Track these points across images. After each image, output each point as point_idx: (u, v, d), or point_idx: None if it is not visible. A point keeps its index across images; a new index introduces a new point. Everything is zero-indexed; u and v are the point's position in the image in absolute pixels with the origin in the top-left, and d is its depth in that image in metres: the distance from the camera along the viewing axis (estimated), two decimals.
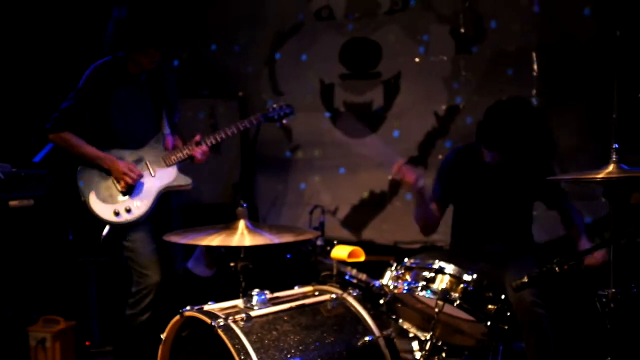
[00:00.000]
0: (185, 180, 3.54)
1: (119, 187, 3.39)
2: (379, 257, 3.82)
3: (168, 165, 3.50)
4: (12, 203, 3.12)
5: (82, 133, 3.42)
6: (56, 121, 3.40)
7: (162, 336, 2.61)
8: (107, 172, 3.39)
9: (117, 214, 3.36)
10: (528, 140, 3.10)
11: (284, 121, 3.93)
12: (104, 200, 3.37)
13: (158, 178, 3.47)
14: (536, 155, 3.21)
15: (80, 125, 3.41)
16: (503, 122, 3.13)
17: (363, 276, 3.27)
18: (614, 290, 2.30)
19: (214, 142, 3.58)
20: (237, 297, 2.75)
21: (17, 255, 3.70)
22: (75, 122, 3.39)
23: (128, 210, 3.36)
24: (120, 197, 3.39)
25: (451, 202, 3.48)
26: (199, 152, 3.51)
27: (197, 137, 3.55)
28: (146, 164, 3.47)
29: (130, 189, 3.39)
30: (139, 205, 3.39)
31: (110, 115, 3.42)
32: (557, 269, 2.40)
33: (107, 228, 3.39)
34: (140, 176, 3.41)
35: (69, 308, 4.30)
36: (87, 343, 4.33)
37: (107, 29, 3.41)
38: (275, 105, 3.86)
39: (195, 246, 4.24)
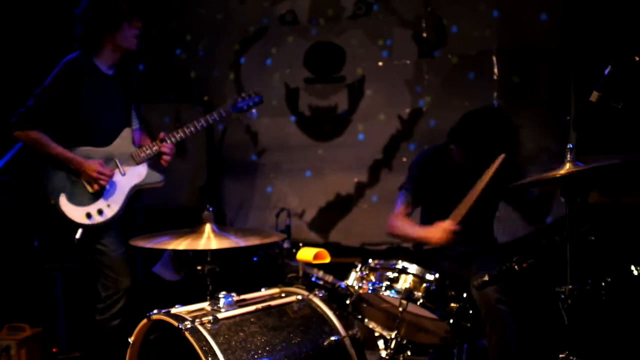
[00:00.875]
0: (156, 177, 3.50)
1: (89, 189, 3.32)
2: (346, 259, 3.86)
3: (138, 163, 3.45)
4: None
5: (50, 130, 3.31)
6: (22, 118, 3.28)
7: (130, 340, 2.61)
8: (77, 173, 3.31)
9: (89, 216, 3.30)
10: (498, 143, 3.15)
11: (253, 110, 3.83)
12: (74, 203, 3.30)
13: (129, 176, 3.42)
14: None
15: (47, 123, 3.30)
16: (474, 127, 3.20)
17: (329, 278, 3.31)
18: (570, 286, 2.38)
19: (179, 137, 3.51)
20: (204, 300, 2.76)
21: None
22: (42, 120, 3.28)
23: (100, 212, 3.31)
24: (91, 199, 3.33)
25: (423, 203, 3.51)
26: (164, 148, 3.45)
27: (162, 135, 3.50)
28: (116, 163, 3.40)
29: (101, 191, 3.33)
30: (111, 206, 3.34)
31: (79, 111, 3.33)
32: (516, 267, 2.49)
33: (79, 231, 3.30)
34: (111, 177, 3.35)
35: (35, 315, 4.25)
36: (54, 350, 4.28)
37: (75, 30, 3.36)
38: (243, 95, 3.78)
39: (161, 250, 4.24)
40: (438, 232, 3.04)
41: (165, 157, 3.50)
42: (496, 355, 2.92)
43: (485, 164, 3.27)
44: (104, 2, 3.31)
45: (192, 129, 3.54)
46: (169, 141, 3.49)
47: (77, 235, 3.30)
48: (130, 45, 3.41)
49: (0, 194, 3.30)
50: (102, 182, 3.31)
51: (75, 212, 3.30)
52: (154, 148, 3.48)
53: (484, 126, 3.19)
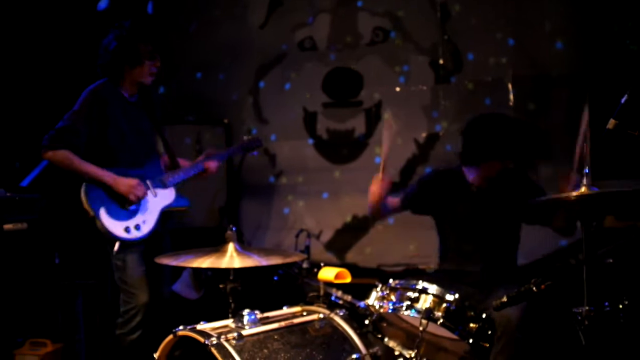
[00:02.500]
0: (183, 202, 3.63)
1: (125, 205, 3.41)
2: (363, 279, 3.91)
3: (166, 187, 3.57)
4: (7, 227, 3.16)
5: (80, 152, 3.38)
6: (54, 139, 3.35)
7: (155, 356, 2.66)
8: (111, 190, 3.38)
9: (127, 230, 3.38)
10: (510, 150, 3.22)
11: (254, 153, 4.21)
12: (113, 217, 3.37)
13: (160, 198, 3.53)
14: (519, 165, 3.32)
15: (77, 143, 3.37)
16: (483, 135, 3.27)
17: (348, 297, 3.37)
18: (587, 308, 2.42)
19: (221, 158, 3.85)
20: (224, 318, 2.81)
21: (6, 277, 3.72)
22: (72, 140, 3.36)
23: (137, 227, 3.40)
24: (128, 215, 3.41)
25: (424, 213, 3.57)
26: (212, 165, 3.71)
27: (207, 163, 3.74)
28: (147, 184, 3.50)
29: (136, 208, 3.43)
30: (146, 223, 3.44)
31: (107, 136, 3.44)
32: (534, 288, 2.53)
33: (117, 245, 3.38)
34: (144, 193, 3.45)
35: (56, 330, 4.31)
36: None
37: (99, 58, 3.49)
38: (245, 138, 4.08)
39: (182, 269, 4.30)
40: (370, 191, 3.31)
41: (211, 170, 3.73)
42: None
43: (500, 183, 3.31)
44: (129, 39, 3.44)
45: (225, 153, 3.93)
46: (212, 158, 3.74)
47: (115, 248, 3.37)
48: (145, 81, 3.54)
49: (30, 211, 3.36)
50: (138, 194, 3.40)
51: (114, 226, 3.36)
52: (187, 171, 3.65)
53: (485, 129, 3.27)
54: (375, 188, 3.34)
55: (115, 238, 3.37)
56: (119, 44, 3.44)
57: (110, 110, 3.44)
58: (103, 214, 3.36)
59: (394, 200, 3.51)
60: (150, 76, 3.54)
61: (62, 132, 3.37)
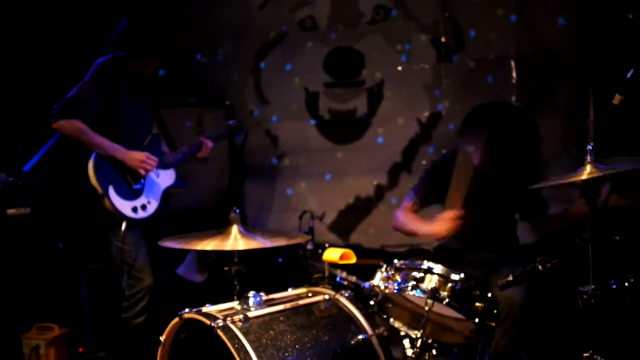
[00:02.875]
0: (182, 183, 3.66)
1: (131, 183, 3.41)
2: (367, 260, 3.90)
3: (167, 167, 3.57)
4: (10, 211, 3.16)
5: (90, 124, 3.36)
6: (64, 107, 3.32)
7: (161, 338, 2.66)
8: (121, 166, 3.37)
9: (135, 210, 3.39)
10: (513, 139, 3.16)
11: (238, 137, 4.29)
12: (122, 196, 3.36)
13: (162, 179, 3.55)
14: (523, 156, 3.28)
15: (90, 114, 3.35)
16: (485, 119, 3.22)
17: (353, 278, 3.35)
18: (593, 286, 2.42)
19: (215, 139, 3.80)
20: (229, 301, 2.81)
21: (11, 263, 3.74)
22: (85, 110, 3.33)
23: (144, 207, 3.43)
24: (134, 194, 3.42)
25: (431, 203, 3.52)
26: (208, 142, 3.70)
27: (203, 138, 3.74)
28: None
29: (141, 188, 3.44)
30: (151, 203, 3.47)
31: (113, 113, 3.43)
32: (540, 267, 2.53)
33: (124, 224, 3.36)
34: (155, 164, 3.46)
35: (62, 315, 4.34)
36: (80, 349, 4.36)
37: (111, 37, 3.48)
38: (230, 123, 4.16)
39: (185, 251, 4.31)
40: (443, 224, 3.07)
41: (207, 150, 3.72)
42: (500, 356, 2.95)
43: (503, 166, 3.30)
44: (141, 37, 3.41)
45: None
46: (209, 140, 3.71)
47: (123, 228, 3.36)
48: (146, 71, 3.54)
49: (33, 196, 3.36)
50: (148, 167, 3.40)
51: (123, 205, 3.37)
52: (184, 151, 3.64)
53: (494, 120, 3.21)
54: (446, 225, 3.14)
55: (123, 217, 3.36)
56: (133, 36, 3.40)
57: (117, 86, 3.44)
58: (112, 192, 3.34)
59: (410, 206, 3.45)
60: (151, 69, 3.55)
61: (73, 101, 3.34)
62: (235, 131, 4.19)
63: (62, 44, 4.79)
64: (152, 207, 3.46)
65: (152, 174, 3.49)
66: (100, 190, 3.30)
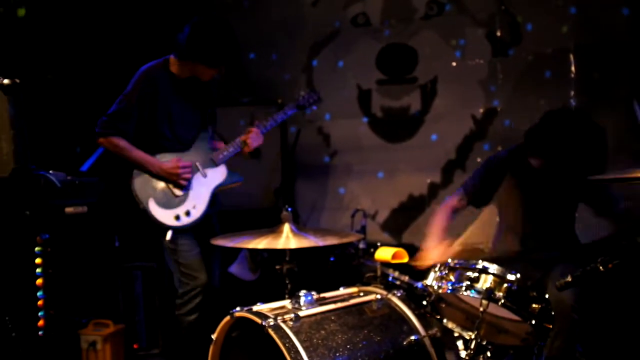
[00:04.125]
0: (236, 177, 3.62)
1: (175, 192, 3.44)
2: None
3: (217, 164, 3.57)
4: (68, 210, 3.21)
5: (131, 137, 3.44)
6: (105, 125, 3.42)
7: (213, 337, 2.66)
8: (160, 177, 3.43)
9: (177, 218, 3.41)
10: (577, 153, 3.07)
11: (314, 107, 4.01)
12: (163, 206, 3.41)
13: (210, 178, 3.53)
14: (587, 165, 3.18)
15: (128, 129, 3.43)
16: (553, 133, 3.11)
17: (405, 278, 3.31)
18: None
19: (263, 130, 3.67)
20: (280, 299, 2.79)
21: (69, 260, 3.82)
22: (123, 126, 3.42)
23: (187, 214, 3.43)
24: (178, 201, 3.44)
25: (481, 203, 3.47)
26: (253, 133, 3.57)
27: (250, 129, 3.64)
28: (197, 166, 3.51)
29: (186, 194, 3.44)
30: (197, 207, 3.46)
31: (157, 119, 3.46)
32: (601, 267, 2.42)
33: (169, 233, 3.41)
34: (190, 169, 3.44)
35: (118, 312, 4.42)
36: (135, 346, 4.43)
37: (177, 37, 3.45)
38: (302, 93, 3.97)
39: (238, 250, 4.32)
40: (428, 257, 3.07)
41: (251, 143, 3.59)
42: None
43: (563, 169, 3.19)
44: (207, 48, 3.36)
45: (267, 124, 3.70)
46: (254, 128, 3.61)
47: (168, 237, 3.40)
48: (203, 79, 3.52)
49: (90, 195, 3.41)
50: (184, 176, 3.41)
51: (165, 216, 3.41)
52: (231, 149, 3.59)
53: (563, 131, 3.10)
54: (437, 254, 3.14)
55: (167, 227, 3.40)
56: (199, 43, 3.36)
57: (161, 92, 3.45)
58: (152, 204, 3.41)
59: (456, 202, 3.41)
60: (210, 77, 3.52)
61: (112, 117, 3.42)
62: (306, 103, 3.95)
63: (124, 45, 4.87)
64: (198, 212, 3.45)
65: (198, 176, 3.50)
66: (141, 205, 3.40)
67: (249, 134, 3.59)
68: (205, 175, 3.52)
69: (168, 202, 3.43)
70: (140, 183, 3.44)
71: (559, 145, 3.07)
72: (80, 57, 4.75)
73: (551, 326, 2.68)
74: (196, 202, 3.46)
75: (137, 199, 3.42)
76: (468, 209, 3.50)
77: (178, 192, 3.45)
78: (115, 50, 4.86)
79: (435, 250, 3.14)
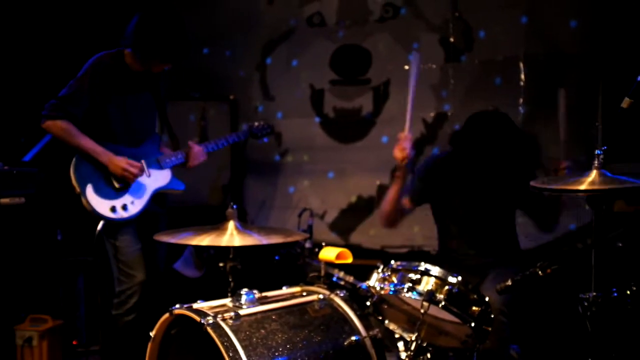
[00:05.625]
0: (178, 185, 3.58)
1: (115, 184, 3.35)
2: (366, 260, 3.85)
3: (163, 168, 3.52)
4: (3, 201, 3.13)
5: (80, 124, 3.33)
6: (53, 108, 3.29)
7: (152, 334, 2.62)
8: (104, 167, 3.33)
9: (113, 209, 3.32)
10: (504, 152, 3.16)
11: (265, 139, 4.23)
12: (100, 195, 3.32)
13: (153, 179, 3.48)
14: (518, 166, 3.27)
15: (78, 114, 3.31)
16: (477, 130, 3.23)
17: (350, 278, 3.30)
18: (595, 293, 2.35)
19: (207, 150, 3.71)
20: (224, 297, 2.77)
21: (5, 253, 3.71)
22: (73, 110, 3.29)
23: (124, 208, 3.35)
24: (117, 194, 3.36)
25: (424, 202, 3.53)
26: (196, 149, 3.60)
27: (191, 143, 3.63)
28: (142, 164, 3.45)
29: (127, 186, 3.37)
30: (135, 204, 3.38)
31: (108, 110, 3.37)
32: (540, 272, 2.46)
33: (101, 224, 3.33)
34: (138, 175, 3.39)
35: (57, 307, 4.31)
36: (74, 342, 4.34)
37: (128, 26, 3.37)
38: (257, 124, 4.13)
39: (183, 247, 4.27)
40: (396, 150, 3.27)
41: (193, 160, 3.62)
42: None
43: (488, 170, 3.26)
44: (154, 42, 3.31)
45: (215, 146, 3.80)
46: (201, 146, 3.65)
47: (99, 228, 3.33)
48: (154, 70, 3.46)
49: (29, 186, 3.32)
50: (129, 176, 3.34)
51: (100, 204, 3.31)
52: (179, 156, 3.58)
53: (484, 131, 3.22)
54: (402, 148, 3.28)
55: (100, 217, 3.31)
56: (145, 36, 3.30)
57: (114, 82, 3.37)
58: (89, 191, 3.30)
59: (405, 201, 3.46)
60: (159, 69, 3.47)
61: (62, 100, 3.30)
62: (258, 133, 4.17)
63: (72, 34, 4.75)
64: (135, 208, 3.38)
65: (143, 174, 3.44)
66: (77, 189, 3.29)
67: (191, 149, 3.60)
68: (149, 175, 3.47)
69: (106, 192, 3.34)
70: (80, 168, 3.32)
71: (481, 145, 3.16)
72: (29, 46, 4.63)
73: (490, 329, 2.72)
74: (135, 199, 3.40)
75: (73, 182, 3.30)
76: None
77: (118, 184, 3.37)
78: (65, 39, 4.74)
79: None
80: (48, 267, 4.36)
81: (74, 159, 3.33)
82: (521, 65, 4.39)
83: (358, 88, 4.80)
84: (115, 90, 3.38)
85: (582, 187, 2.35)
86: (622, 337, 2.61)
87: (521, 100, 4.38)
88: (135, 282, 3.39)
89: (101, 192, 3.33)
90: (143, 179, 3.44)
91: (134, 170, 3.34)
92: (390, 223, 3.49)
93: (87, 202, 3.29)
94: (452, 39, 4.58)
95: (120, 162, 3.32)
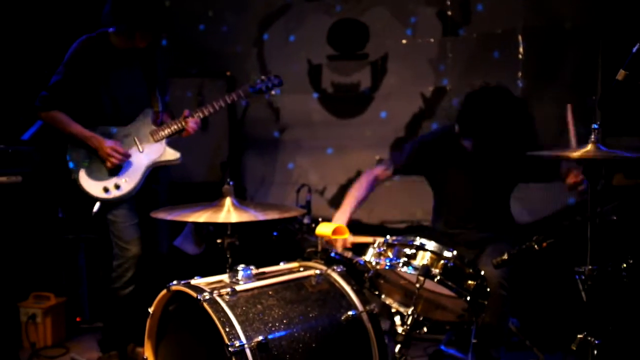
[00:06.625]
0: (173, 155, 3.57)
1: (107, 163, 3.41)
2: (366, 236, 3.86)
3: (156, 141, 3.53)
4: (0, 179, 3.14)
5: (71, 109, 3.42)
6: (45, 100, 3.40)
7: (150, 310, 2.65)
8: (95, 150, 3.41)
9: (106, 190, 3.40)
10: (504, 130, 3.10)
11: (273, 92, 3.90)
12: (93, 178, 3.41)
13: (146, 154, 3.50)
14: (516, 142, 3.22)
15: (68, 101, 3.41)
16: (478, 111, 3.14)
17: (348, 254, 3.31)
18: (590, 267, 2.36)
19: (203, 115, 3.60)
20: (223, 273, 2.79)
21: (7, 232, 3.73)
22: (63, 100, 3.40)
23: (117, 187, 3.41)
24: (109, 174, 3.42)
25: (411, 174, 3.55)
26: (191, 122, 3.54)
27: (186, 112, 3.58)
28: (134, 140, 3.49)
29: (118, 167, 3.42)
30: (128, 181, 3.43)
31: (98, 90, 3.42)
32: (536, 246, 2.48)
33: (97, 205, 3.42)
34: (126, 155, 3.42)
35: (60, 284, 4.34)
36: (77, 319, 4.38)
37: (104, 8, 3.41)
38: (263, 77, 3.88)
39: (183, 224, 4.28)
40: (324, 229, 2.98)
41: (190, 131, 3.57)
42: (483, 335, 2.93)
43: (493, 149, 3.23)
44: (124, 10, 3.33)
45: (211, 109, 3.63)
46: (195, 116, 3.56)
47: (95, 209, 3.42)
48: (138, 45, 3.46)
49: (25, 165, 3.35)
50: (114, 160, 3.38)
51: (93, 187, 3.41)
52: (174, 126, 3.55)
53: (485, 108, 3.13)
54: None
55: (94, 199, 3.39)
56: (115, 12, 3.34)
57: (99, 63, 3.40)
58: (82, 175, 3.41)
59: (381, 172, 3.46)
60: (142, 44, 3.46)
61: (52, 91, 3.40)
62: (267, 87, 3.85)
63: (68, 13, 4.72)
64: (128, 185, 3.43)
65: (134, 151, 3.47)
66: (72, 175, 3.41)
67: (189, 118, 3.55)
68: (142, 151, 3.49)
69: (98, 174, 3.42)
70: (74, 153, 3.44)
71: (484, 122, 3.10)
72: (24, 26, 4.60)
73: (486, 302, 2.74)
74: (128, 177, 3.44)
75: (69, 168, 3.42)
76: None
77: (110, 165, 3.40)
78: (59, 18, 4.71)
79: (339, 220, 3.20)
80: (50, 244, 4.39)
81: (67, 148, 3.44)
82: (520, 38, 4.36)
83: (356, 63, 4.77)
84: (102, 71, 3.41)
85: (576, 154, 2.35)
86: (617, 310, 2.63)
87: (520, 74, 4.36)
88: (129, 256, 3.46)
89: (94, 175, 3.42)
90: (136, 155, 3.48)
91: (118, 156, 3.39)
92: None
93: (81, 185, 3.41)
94: (449, 12, 4.55)
95: (106, 148, 3.37)
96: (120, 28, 3.37)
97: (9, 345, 3.73)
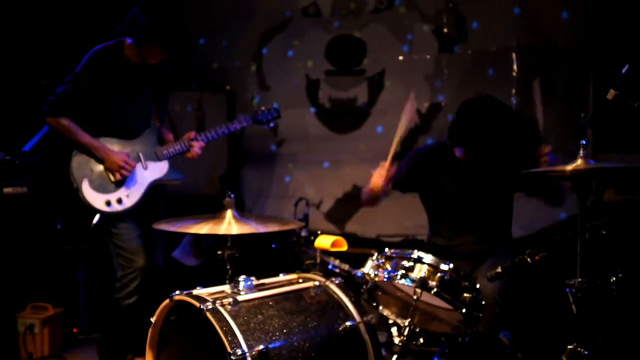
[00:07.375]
0: (176, 175, 3.63)
1: (111, 178, 3.42)
2: (362, 249, 3.92)
3: (160, 160, 3.58)
4: (7, 190, 3.17)
5: (79, 118, 3.41)
6: (53, 105, 3.38)
7: (152, 320, 2.68)
8: (101, 161, 3.42)
9: (108, 203, 3.41)
10: (495, 137, 3.11)
11: (271, 124, 4.02)
12: (96, 189, 3.41)
13: (150, 171, 3.54)
14: (509, 150, 3.26)
15: (76, 110, 3.40)
16: (468, 118, 3.18)
17: (345, 266, 3.38)
18: (580, 279, 2.43)
19: (208, 140, 3.66)
20: (221, 284, 2.83)
21: (8, 242, 3.76)
22: (72, 107, 3.39)
23: (119, 201, 3.42)
24: (112, 187, 3.43)
25: (407, 190, 3.58)
26: (197, 147, 3.59)
27: (192, 134, 3.63)
28: (139, 156, 3.51)
29: (122, 181, 3.44)
30: (130, 197, 3.45)
31: (107, 103, 3.43)
32: (528, 259, 2.54)
33: (97, 216, 3.44)
34: (133, 169, 3.45)
35: (57, 295, 4.36)
36: (74, 330, 4.40)
37: (122, 22, 3.40)
38: (263, 108, 3.96)
39: (180, 237, 4.33)
40: (374, 177, 3.27)
41: (194, 155, 3.62)
42: (472, 347, 2.98)
43: (485, 155, 3.25)
44: (163, 29, 3.32)
45: (215, 134, 3.70)
46: (199, 139, 3.61)
47: (95, 221, 3.44)
48: (150, 61, 3.47)
49: (30, 176, 3.37)
50: (125, 173, 3.41)
51: (96, 199, 3.41)
52: (177, 147, 3.59)
53: (477, 116, 3.16)
54: (380, 176, 3.29)
55: (96, 211, 3.41)
56: (142, 22, 3.31)
57: (111, 76, 3.42)
58: (85, 185, 3.40)
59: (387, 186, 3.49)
60: (154, 60, 3.47)
61: (61, 97, 3.38)
62: (265, 119, 3.94)
63: (71, 24, 4.78)
64: (130, 201, 3.45)
65: (139, 167, 3.51)
66: (75, 184, 3.40)
67: (194, 142, 3.60)
68: (146, 168, 3.53)
69: (102, 186, 3.43)
70: (78, 162, 3.42)
71: (474, 128, 3.12)
72: (27, 36, 4.65)
73: (481, 315, 2.80)
74: (130, 192, 3.47)
75: (72, 177, 3.40)
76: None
77: (114, 178, 3.43)
78: (61, 29, 4.76)
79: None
80: (48, 256, 4.41)
81: (73, 154, 3.43)
82: (514, 56, 4.45)
83: (353, 78, 4.86)
84: (113, 83, 3.43)
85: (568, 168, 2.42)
86: (606, 322, 2.69)
87: (513, 91, 4.44)
88: (136, 267, 3.47)
89: (97, 186, 3.42)
90: (140, 171, 3.51)
91: (129, 169, 3.42)
92: (368, 202, 3.54)
93: (83, 196, 3.40)
94: (445, 30, 4.64)
95: (116, 160, 3.40)
96: (137, 38, 3.34)
97: (7, 356, 3.75)
